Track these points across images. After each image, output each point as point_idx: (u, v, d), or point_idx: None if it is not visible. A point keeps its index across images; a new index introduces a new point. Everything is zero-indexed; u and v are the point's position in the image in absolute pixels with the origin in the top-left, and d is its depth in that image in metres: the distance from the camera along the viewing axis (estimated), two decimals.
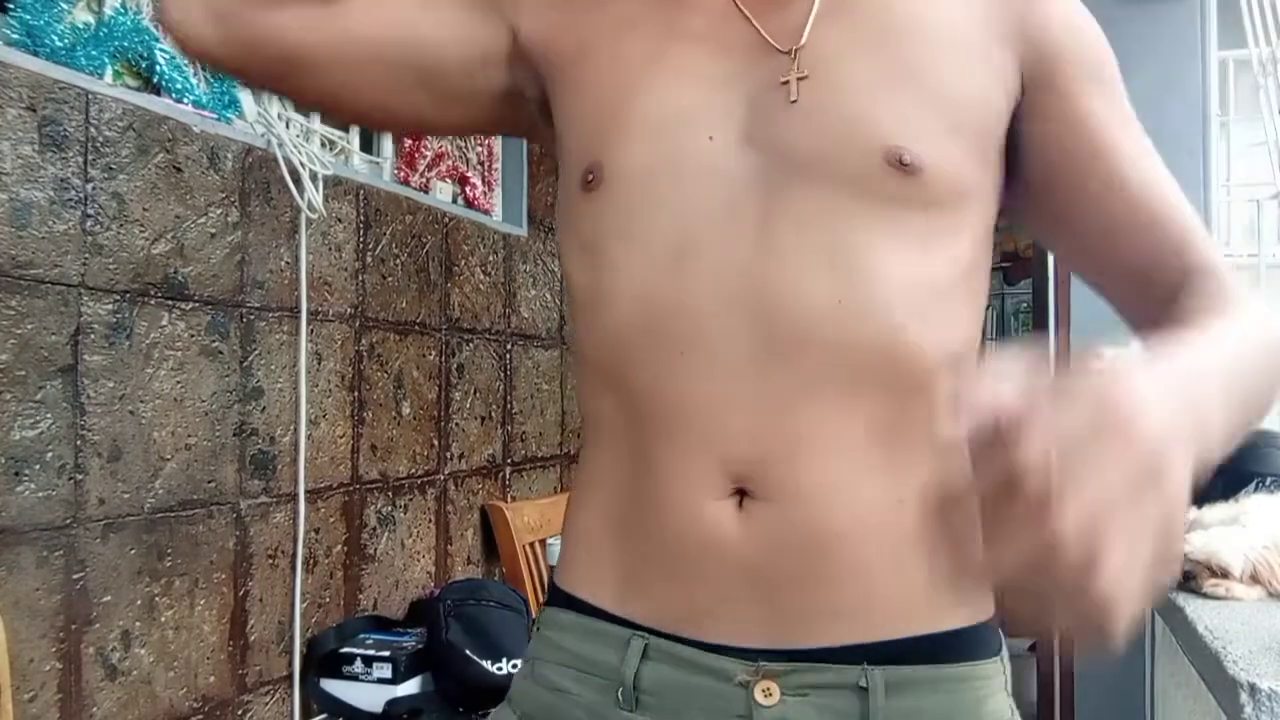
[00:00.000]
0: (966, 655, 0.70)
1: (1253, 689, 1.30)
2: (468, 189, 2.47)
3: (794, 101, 0.70)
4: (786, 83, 0.71)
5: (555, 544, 1.79)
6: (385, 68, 0.79)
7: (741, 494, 0.68)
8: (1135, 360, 0.51)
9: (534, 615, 1.99)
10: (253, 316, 1.70)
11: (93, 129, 1.41)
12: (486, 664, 1.84)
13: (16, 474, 1.30)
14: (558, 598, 0.77)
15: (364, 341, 1.99)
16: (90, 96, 1.41)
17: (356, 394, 1.96)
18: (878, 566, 0.67)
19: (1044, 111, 0.74)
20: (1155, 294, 0.73)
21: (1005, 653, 0.73)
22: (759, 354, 0.67)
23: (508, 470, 2.50)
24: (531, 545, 2.38)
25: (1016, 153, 0.76)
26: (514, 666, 1.86)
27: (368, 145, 2.25)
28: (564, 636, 0.75)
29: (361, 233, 1.99)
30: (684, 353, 0.69)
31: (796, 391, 0.67)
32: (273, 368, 1.74)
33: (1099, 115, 0.74)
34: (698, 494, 0.68)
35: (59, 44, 1.40)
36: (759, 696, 0.67)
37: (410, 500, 2.12)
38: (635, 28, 0.78)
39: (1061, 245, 0.83)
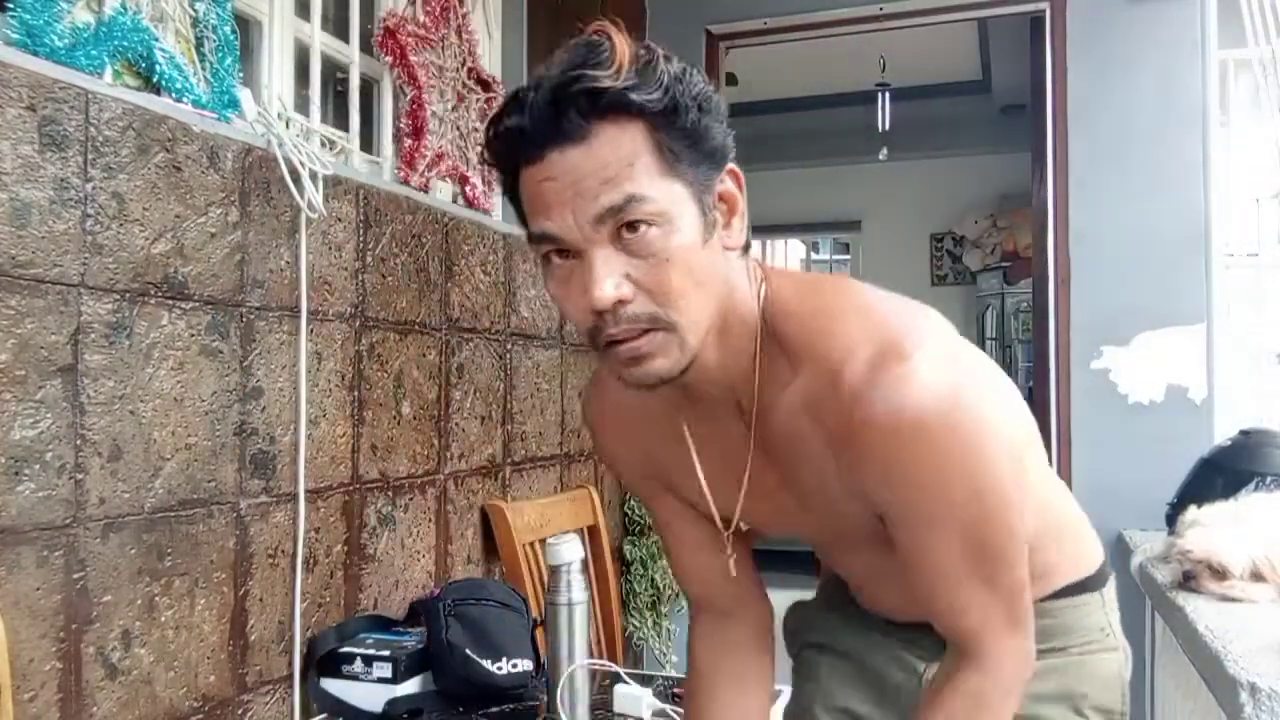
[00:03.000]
0: None
1: (1253, 689, 1.30)
2: (467, 189, 2.47)
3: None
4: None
5: (554, 543, 1.78)
6: None
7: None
8: None
9: (533, 615, 1.99)
10: (253, 316, 1.70)
11: (93, 129, 1.41)
12: (486, 664, 1.84)
13: (16, 474, 1.30)
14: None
15: (364, 341, 1.99)
16: (90, 96, 1.41)
17: (356, 394, 1.96)
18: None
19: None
20: (935, 621, 1.03)
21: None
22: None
23: (507, 470, 2.50)
24: (531, 545, 2.38)
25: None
26: (514, 666, 1.86)
27: (368, 145, 2.25)
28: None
29: (361, 232, 1.99)
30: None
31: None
32: (273, 367, 1.74)
33: (914, 542, 0.99)
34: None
35: (59, 44, 1.40)
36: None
37: (410, 500, 2.12)
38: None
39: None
